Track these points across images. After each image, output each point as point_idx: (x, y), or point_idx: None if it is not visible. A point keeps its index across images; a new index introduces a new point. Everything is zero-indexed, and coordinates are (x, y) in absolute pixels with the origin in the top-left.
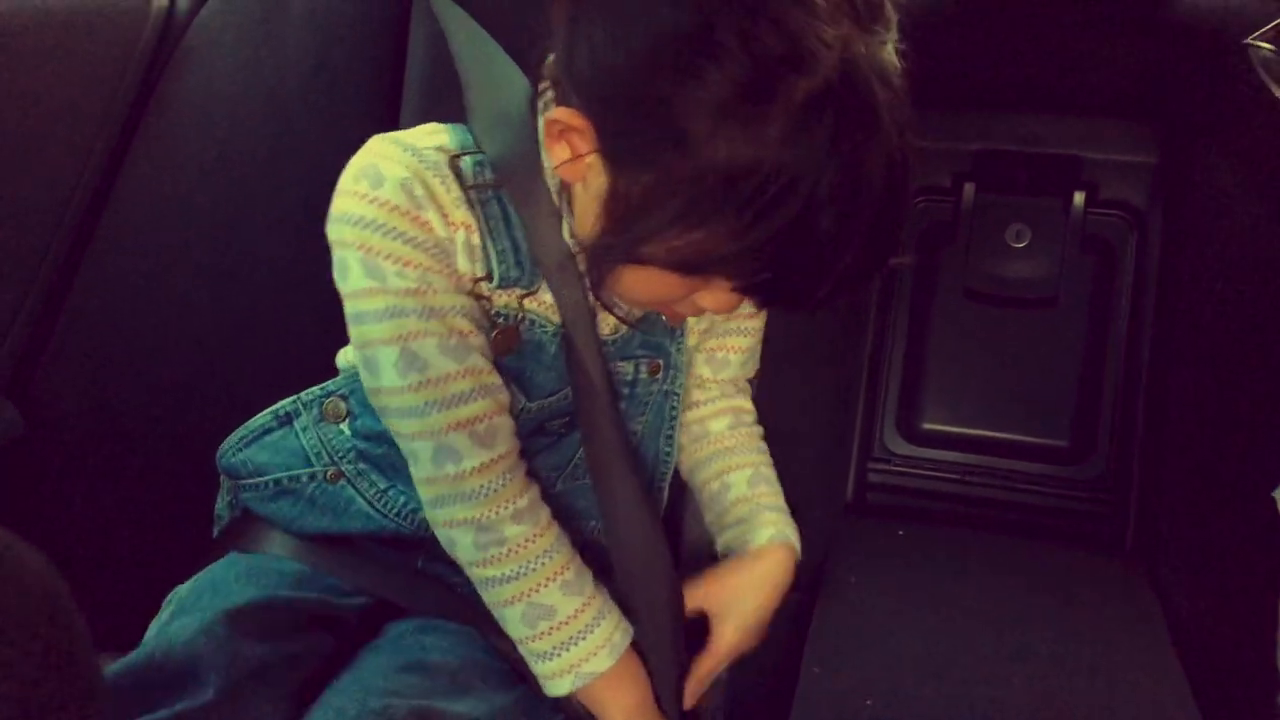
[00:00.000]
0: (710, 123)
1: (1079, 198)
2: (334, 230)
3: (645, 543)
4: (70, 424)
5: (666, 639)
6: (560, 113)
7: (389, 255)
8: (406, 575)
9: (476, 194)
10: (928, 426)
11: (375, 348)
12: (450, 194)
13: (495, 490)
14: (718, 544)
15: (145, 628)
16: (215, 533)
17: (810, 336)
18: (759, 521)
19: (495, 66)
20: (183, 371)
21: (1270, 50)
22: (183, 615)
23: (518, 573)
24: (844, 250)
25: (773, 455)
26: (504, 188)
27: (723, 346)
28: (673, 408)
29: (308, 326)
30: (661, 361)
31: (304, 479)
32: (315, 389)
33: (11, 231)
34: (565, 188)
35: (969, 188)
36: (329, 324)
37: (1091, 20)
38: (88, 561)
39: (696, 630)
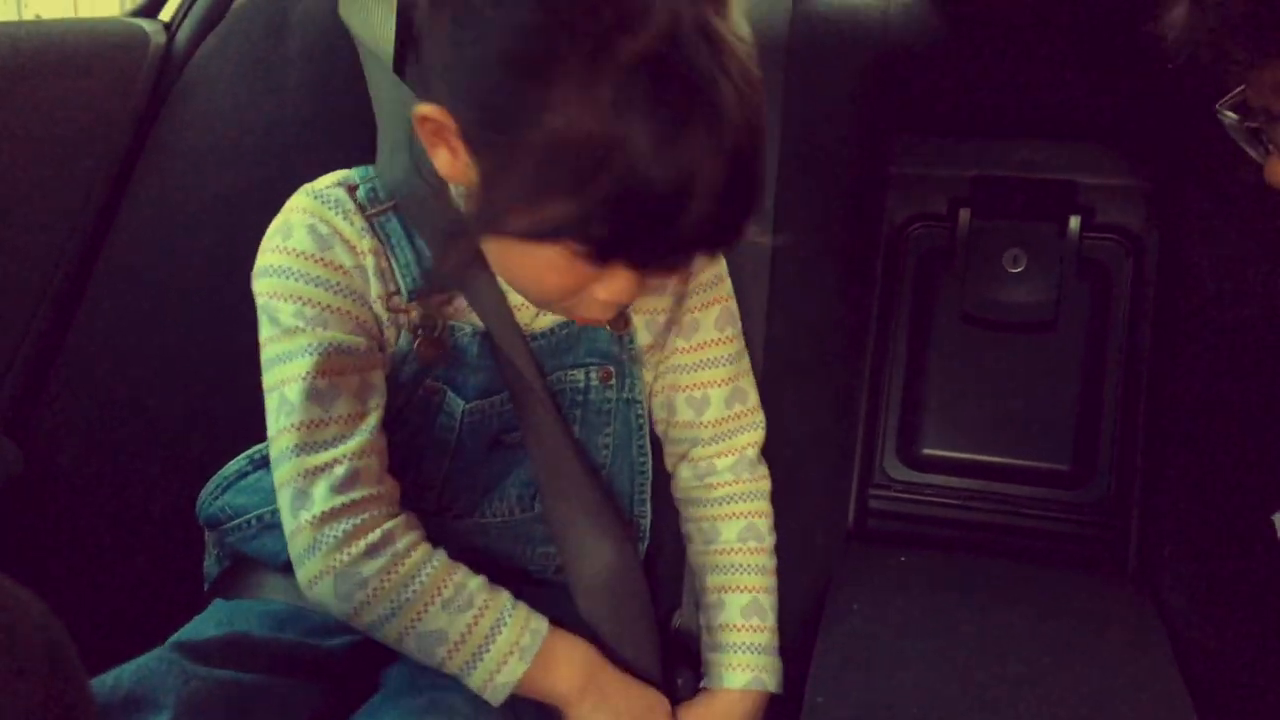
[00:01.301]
0: (548, 91)
1: (1074, 222)
2: (255, 285)
3: (603, 547)
4: (70, 464)
5: (646, 660)
6: (424, 108)
7: (291, 296)
8: None
9: (376, 219)
10: (928, 452)
11: (267, 396)
12: (353, 226)
13: (345, 534)
14: (702, 652)
15: None
16: (206, 588)
17: (809, 363)
18: (739, 662)
19: (384, 89)
20: (182, 412)
21: (1235, 119)
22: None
23: (391, 609)
24: (685, 206)
25: (774, 482)
26: (398, 205)
27: (697, 383)
28: (638, 416)
29: None
30: (613, 368)
31: None
32: None
33: (10, 271)
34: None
35: (965, 213)
36: None
37: (1086, 50)
38: (85, 605)
39: None
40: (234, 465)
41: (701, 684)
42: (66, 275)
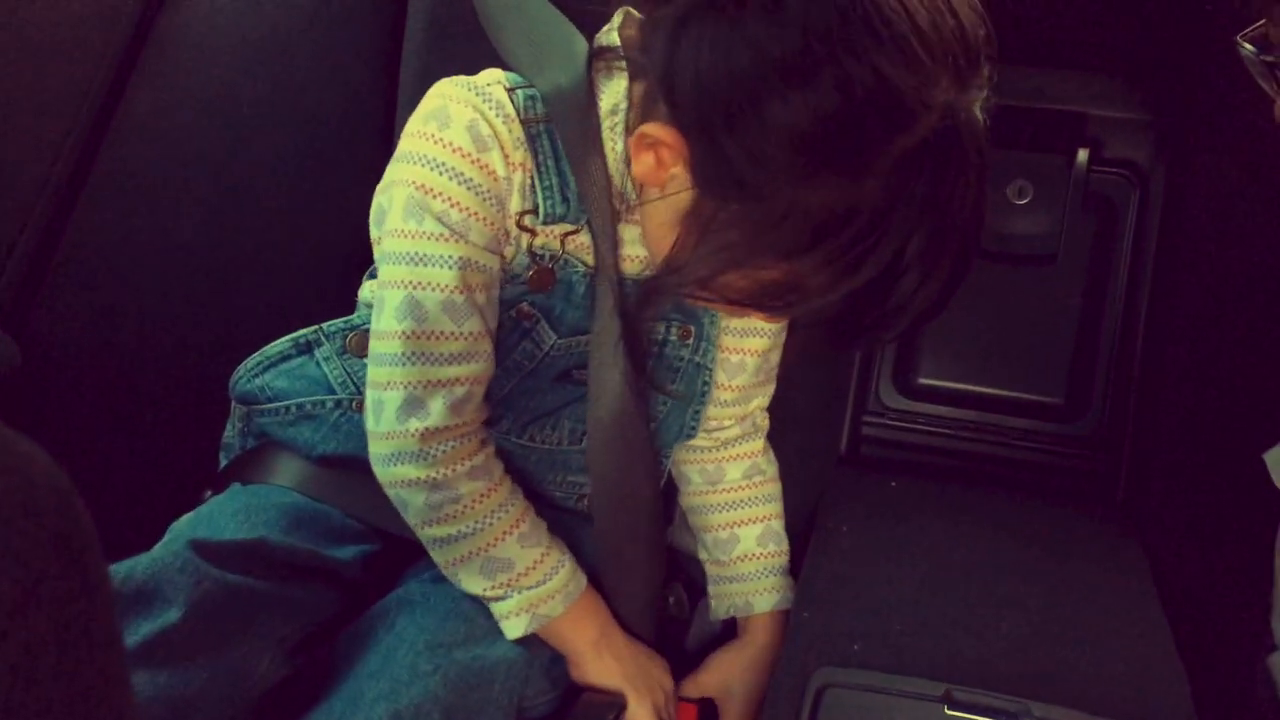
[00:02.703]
0: (805, 161)
1: (1083, 155)
2: (396, 169)
3: (628, 475)
4: (68, 357)
5: (641, 608)
6: (651, 128)
7: (440, 194)
8: None
9: (530, 128)
10: (923, 381)
11: (387, 288)
12: (512, 134)
13: (452, 450)
14: (710, 586)
15: None
16: (223, 462)
17: None
18: (764, 586)
19: (531, 9)
20: (182, 305)
21: (1252, 52)
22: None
23: (474, 529)
24: (916, 304)
25: (768, 407)
26: (554, 122)
27: (739, 348)
28: (704, 382)
29: (306, 263)
30: (693, 328)
31: (328, 405)
32: (338, 321)
33: (9, 164)
34: (640, 187)
35: None
36: (326, 261)
37: None
38: (88, 495)
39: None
40: (276, 346)
41: (715, 615)
42: (65, 169)
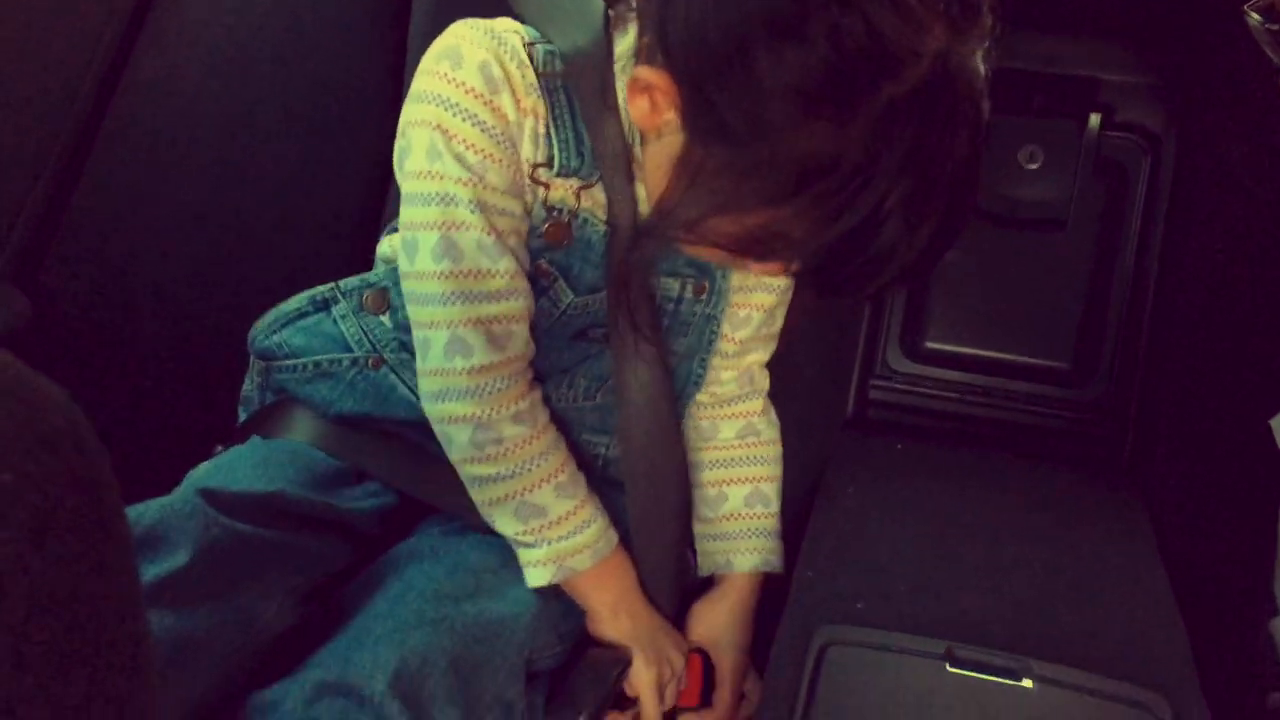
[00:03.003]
0: (793, 109)
1: (1094, 120)
2: (410, 109)
3: (659, 447)
4: (79, 312)
5: (668, 568)
6: (645, 72)
7: (456, 135)
8: (437, 468)
9: (547, 82)
10: (931, 345)
11: (418, 231)
12: (525, 79)
13: (499, 390)
14: (696, 543)
15: None
16: (242, 416)
17: None
18: (746, 547)
19: None
20: (192, 262)
21: (1259, 21)
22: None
23: (513, 472)
24: (903, 253)
25: (775, 369)
26: (571, 80)
27: (746, 303)
28: (712, 331)
29: (319, 220)
30: (707, 283)
31: (345, 363)
32: (355, 279)
33: (19, 120)
34: (640, 134)
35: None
36: (339, 218)
37: None
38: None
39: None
40: (293, 303)
41: (701, 572)
42: (75, 125)
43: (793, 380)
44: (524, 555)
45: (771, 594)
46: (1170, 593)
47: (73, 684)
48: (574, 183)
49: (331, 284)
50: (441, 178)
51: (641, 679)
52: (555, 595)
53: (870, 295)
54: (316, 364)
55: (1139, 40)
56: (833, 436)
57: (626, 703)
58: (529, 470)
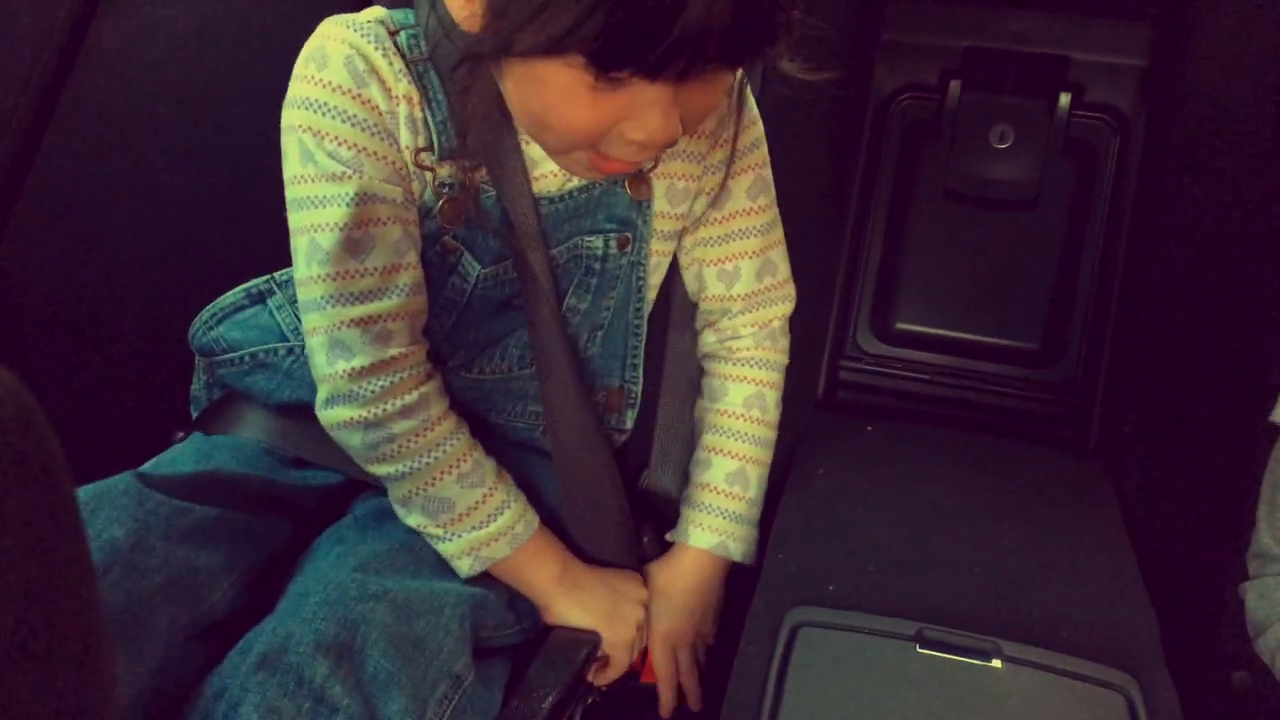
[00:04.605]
0: None
1: (1065, 99)
2: (285, 115)
3: (581, 425)
4: (31, 303)
5: (611, 538)
6: None
7: (328, 134)
8: None
9: (416, 66)
10: (901, 326)
11: (295, 236)
12: (393, 66)
13: (383, 389)
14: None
15: None
16: (194, 414)
17: (788, 232)
18: (709, 524)
19: None
20: (148, 249)
21: None
22: None
23: (411, 469)
24: (686, 15)
25: None
26: (434, 59)
27: (728, 255)
28: (639, 279)
29: (277, 206)
30: (629, 235)
31: (281, 352)
32: (289, 269)
33: None
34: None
35: (955, 85)
36: None
37: None
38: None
39: None
40: (229, 297)
41: (669, 534)
42: (29, 108)
43: None
44: (442, 549)
45: (742, 576)
46: (1138, 573)
47: (23, 678)
48: (463, 162)
49: (267, 276)
50: (312, 180)
51: (618, 656)
52: (505, 581)
53: (688, 72)
54: (254, 355)
55: (1110, 17)
56: (803, 417)
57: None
58: (427, 464)
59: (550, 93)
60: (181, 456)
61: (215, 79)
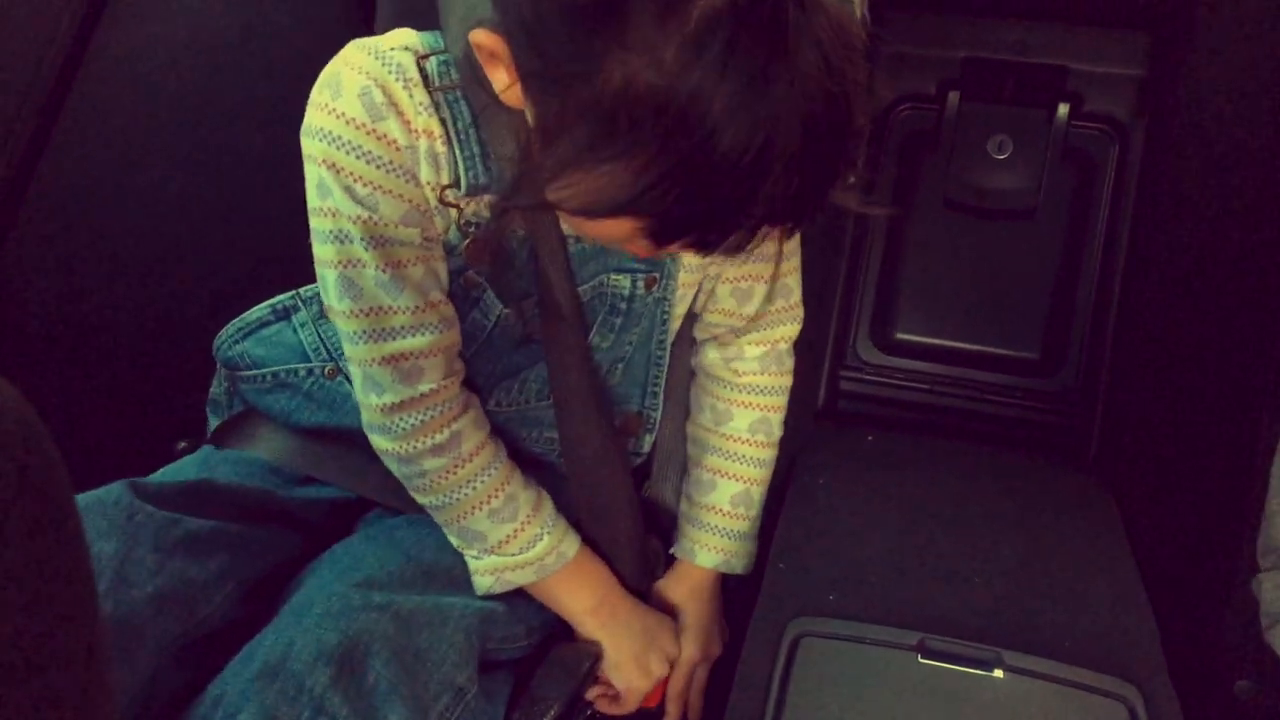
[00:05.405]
0: (609, 43)
1: (1063, 109)
2: (303, 142)
3: (599, 459)
4: (35, 311)
5: (627, 559)
6: (479, 35)
7: (343, 169)
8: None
9: (443, 96)
10: (901, 336)
11: (324, 268)
12: (414, 99)
13: (413, 426)
14: (679, 520)
15: None
16: (210, 419)
17: None
18: (715, 545)
19: None
20: (151, 261)
21: None
22: None
23: (443, 502)
24: (755, 182)
25: None
26: (468, 88)
27: (744, 275)
28: (664, 313)
29: (280, 219)
30: (657, 275)
31: (301, 373)
32: (315, 285)
33: None
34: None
35: (954, 96)
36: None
37: None
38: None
39: None
40: (256, 312)
41: (672, 549)
42: (31, 119)
43: None
44: (470, 564)
45: (743, 586)
46: (1140, 582)
47: (25, 689)
48: (489, 198)
49: (293, 292)
50: (334, 214)
51: (626, 693)
52: (512, 609)
53: (742, 245)
54: (275, 375)
55: (1108, 27)
56: (804, 428)
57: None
58: (458, 500)
59: (595, 227)
60: (185, 467)
61: (217, 88)
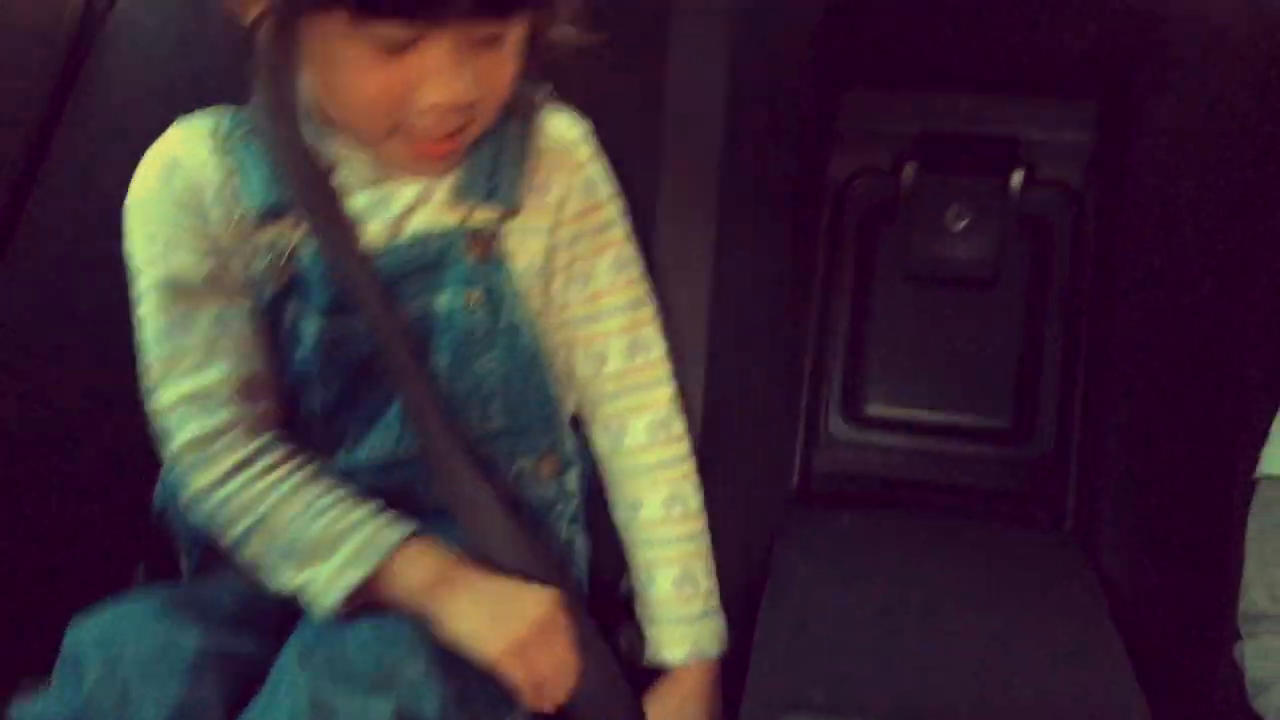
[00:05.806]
0: None
1: (1017, 178)
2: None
3: (472, 502)
4: (16, 348)
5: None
6: None
7: (139, 230)
8: None
9: (230, 144)
10: (871, 411)
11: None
12: (201, 150)
13: (213, 454)
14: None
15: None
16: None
17: (753, 323)
18: (677, 636)
19: None
20: (86, 380)
21: None
22: None
23: (260, 517)
24: None
25: (716, 445)
26: (255, 131)
27: (594, 335)
28: (527, 344)
29: None
30: (481, 291)
31: None
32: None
33: None
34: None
35: (909, 168)
36: None
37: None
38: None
39: None
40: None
41: (645, 660)
42: (14, 165)
43: (734, 456)
44: (312, 599)
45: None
46: (1124, 654)
47: None
48: (286, 221)
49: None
50: (133, 277)
51: (501, 657)
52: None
53: (453, 16)
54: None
55: (1058, 97)
56: (778, 512)
57: None
58: (275, 507)
59: (343, 73)
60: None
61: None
